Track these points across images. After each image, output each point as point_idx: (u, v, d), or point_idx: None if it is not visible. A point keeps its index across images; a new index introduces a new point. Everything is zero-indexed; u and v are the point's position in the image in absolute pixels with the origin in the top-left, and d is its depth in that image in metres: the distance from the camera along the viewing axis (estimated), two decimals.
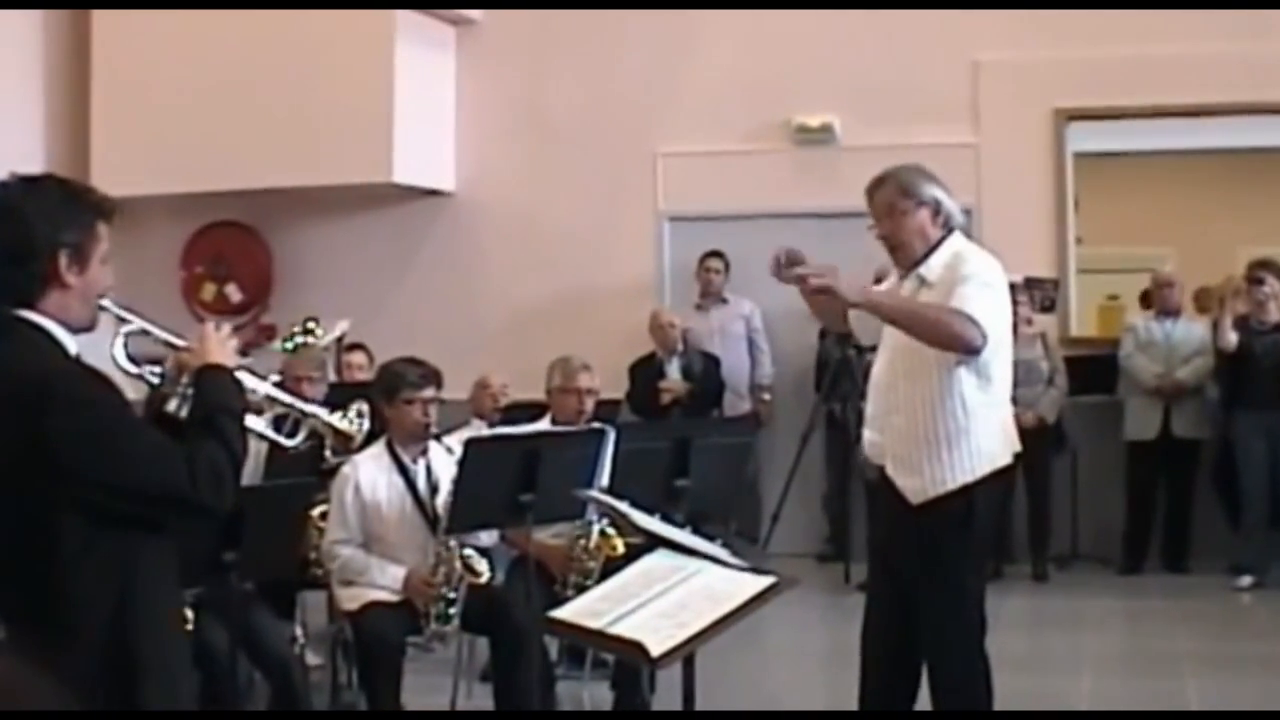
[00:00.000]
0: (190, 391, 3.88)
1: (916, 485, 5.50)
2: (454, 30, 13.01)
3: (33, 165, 10.32)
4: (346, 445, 4.45)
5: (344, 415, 4.37)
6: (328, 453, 4.59)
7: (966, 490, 5.46)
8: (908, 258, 5.58)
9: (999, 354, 5.49)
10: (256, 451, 6.86)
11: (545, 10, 12.78)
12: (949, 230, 5.60)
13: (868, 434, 5.74)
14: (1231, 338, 10.68)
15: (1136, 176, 14.33)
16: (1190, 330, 11.30)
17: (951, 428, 5.42)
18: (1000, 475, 5.59)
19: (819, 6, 12.18)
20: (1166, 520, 11.38)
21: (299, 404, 4.32)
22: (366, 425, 4.52)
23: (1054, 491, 11.42)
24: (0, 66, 12.29)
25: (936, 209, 5.57)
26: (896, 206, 5.57)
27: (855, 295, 5.33)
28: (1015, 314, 10.92)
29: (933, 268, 5.52)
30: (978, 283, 5.38)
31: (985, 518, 5.65)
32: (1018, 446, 5.68)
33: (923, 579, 5.55)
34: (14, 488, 3.56)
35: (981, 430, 5.47)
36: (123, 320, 3.92)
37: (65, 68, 12.86)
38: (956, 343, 5.30)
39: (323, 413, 4.34)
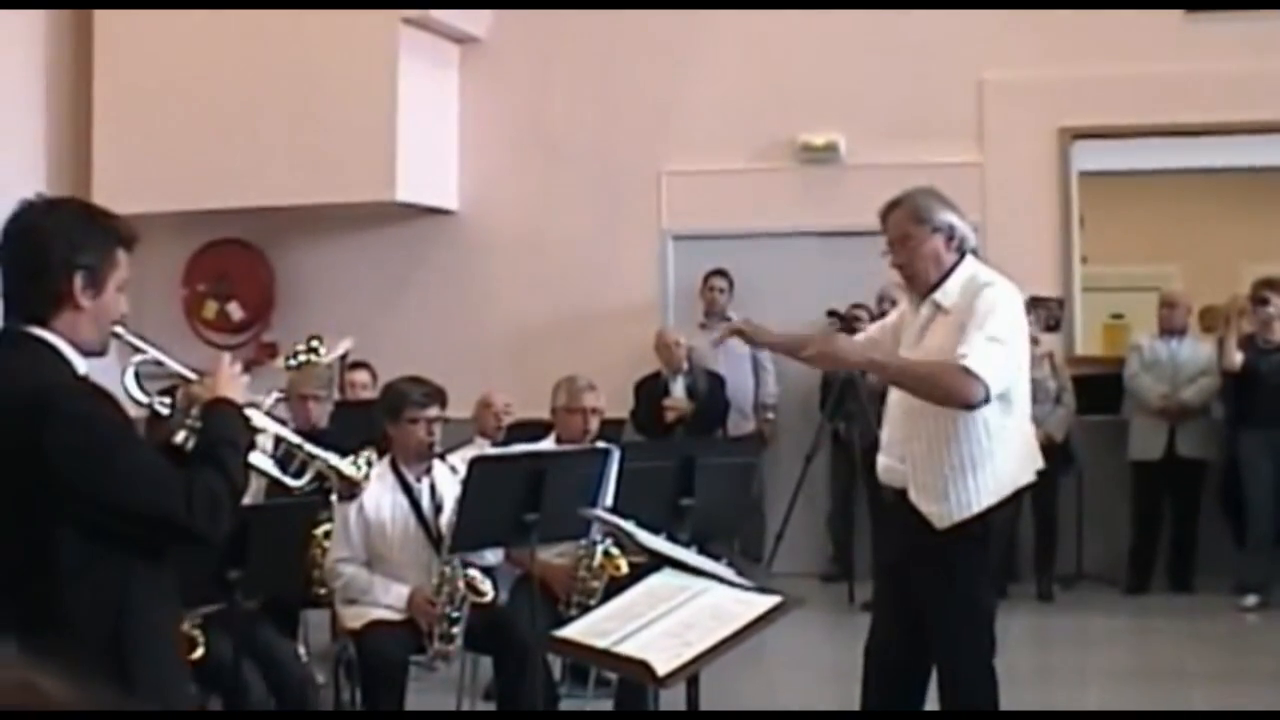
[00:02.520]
0: (198, 424, 3.88)
1: (942, 511, 5.50)
2: (458, 48, 13.01)
3: (34, 183, 10.36)
4: (352, 490, 4.46)
5: (353, 460, 4.36)
6: (333, 496, 4.61)
7: (986, 513, 5.47)
8: (923, 284, 5.60)
9: (1020, 377, 5.50)
10: (257, 479, 6.86)
11: (549, 29, 12.78)
12: (962, 254, 5.61)
13: (883, 459, 5.75)
14: (1237, 357, 10.66)
15: (1141, 195, 14.31)
16: (1195, 350, 11.28)
17: (976, 454, 5.43)
18: (1018, 494, 5.61)
19: (823, 25, 12.19)
20: (1172, 540, 11.36)
21: (308, 446, 4.32)
22: (375, 473, 4.53)
23: (1059, 511, 11.39)
24: (2, 83, 12.29)
25: (950, 234, 5.58)
26: (911, 235, 5.58)
27: (856, 357, 5.62)
28: None
29: (949, 293, 5.53)
30: (990, 327, 5.36)
31: (999, 536, 5.67)
32: (1040, 463, 5.70)
33: (939, 597, 5.55)
34: (15, 500, 3.57)
35: (1003, 453, 5.48)
36: (136, 349, 3.92)
37: (67, 85, 12.86)
38: (954, 400, 5.35)
39: (332, 457, 4.33)
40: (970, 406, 5.33)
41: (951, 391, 5.33)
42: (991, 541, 5.58)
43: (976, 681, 5.60)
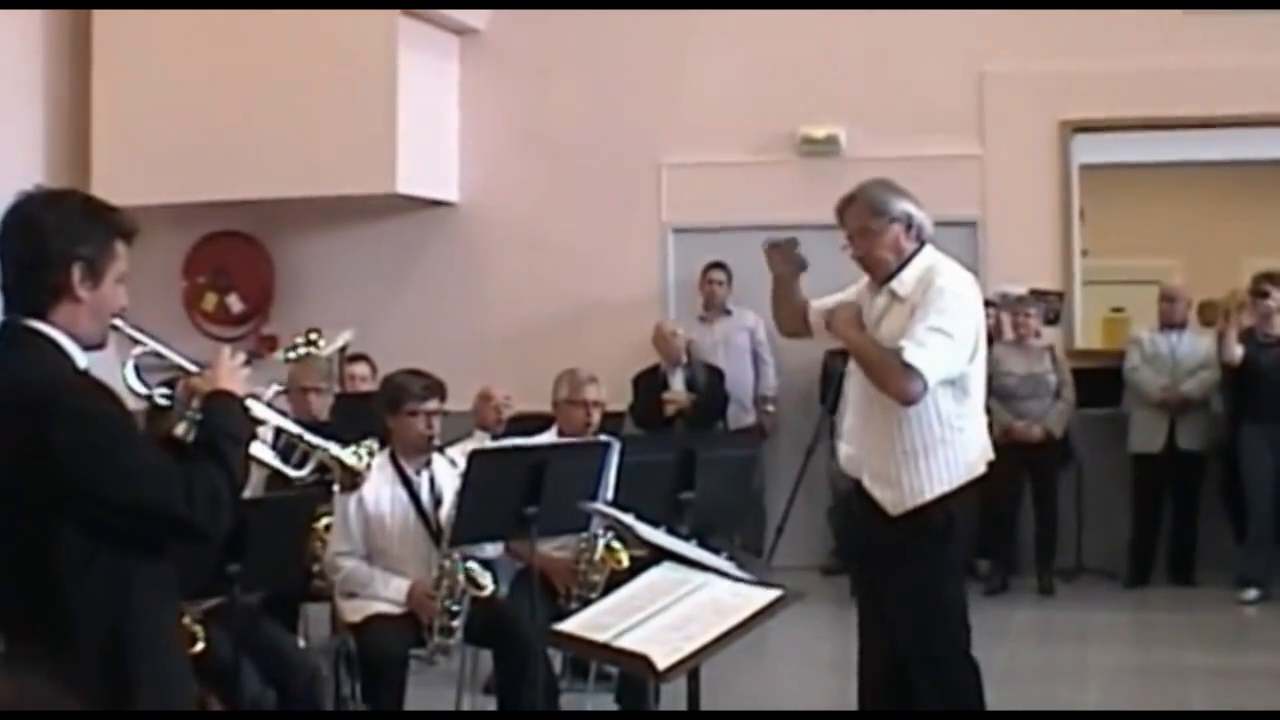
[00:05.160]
0: (199, 416, 3.87)
1: (895, 497, 5.58)
2: (458, 40, 13.00)
3: (33, 175, 10.33)
4: (354, 481, 4.45)
5: (355, 450, 4.35)
6: (335, 486, 4.59)
7: (943, 502, 5.49)
8: (881, 273, 5.67)
9: (974, 366, 5.57)
10: (258, 471, 6.84)
11: (549, 21, 12.77)
12: (921, 243, 5.66)
13: (843, 447, 5.84)
14: (1237, 351, 10.65)
15: (1142, 188, 14.33)
16: (1195, 343, 11.27)
17: (928, 439, 5.51)
18: (974, 484, 5.62)
19: (824, 18, 12.19)
20: (1172, 533, 11.36)
21: (309, 436, 4.30)
22: (376, 462, 4.52)
23: (1059, 504, 11.40)
24: (0, 75, 12.27)
25: (909, 223, 5.66)
26: (869, 227, 5.66)
27: (840, 330, 5.70)
28: (1022, 325, 10.99)
29: (905, 282, 5.61)
30: (934, 318, 5.44)
31: (963, 527, 5.70)
32: (991, 455, 5.70)
33: (902, 591, 5.58)
34: (16, 496, 3.56)
35: (958, 441, 5.53)
36: (135, 341, 3.91)
37: (66, 77, 12.83)
38: (892, 394, 5.50)
39: (334, 447, 4.32)
40: (908, 402, 5.44)
41: (890, 386, 5.48)
42: (956, 534, 5.61)
43: (953, 673, 5.62)
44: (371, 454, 4.43)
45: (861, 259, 5.70)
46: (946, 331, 5.40)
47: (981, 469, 5.60)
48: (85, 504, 3.54)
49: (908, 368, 5.35)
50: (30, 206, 3.72)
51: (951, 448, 5.50)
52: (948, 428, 5.49)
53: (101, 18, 12.74)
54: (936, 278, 5.52)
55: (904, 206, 5.64)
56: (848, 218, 5.73)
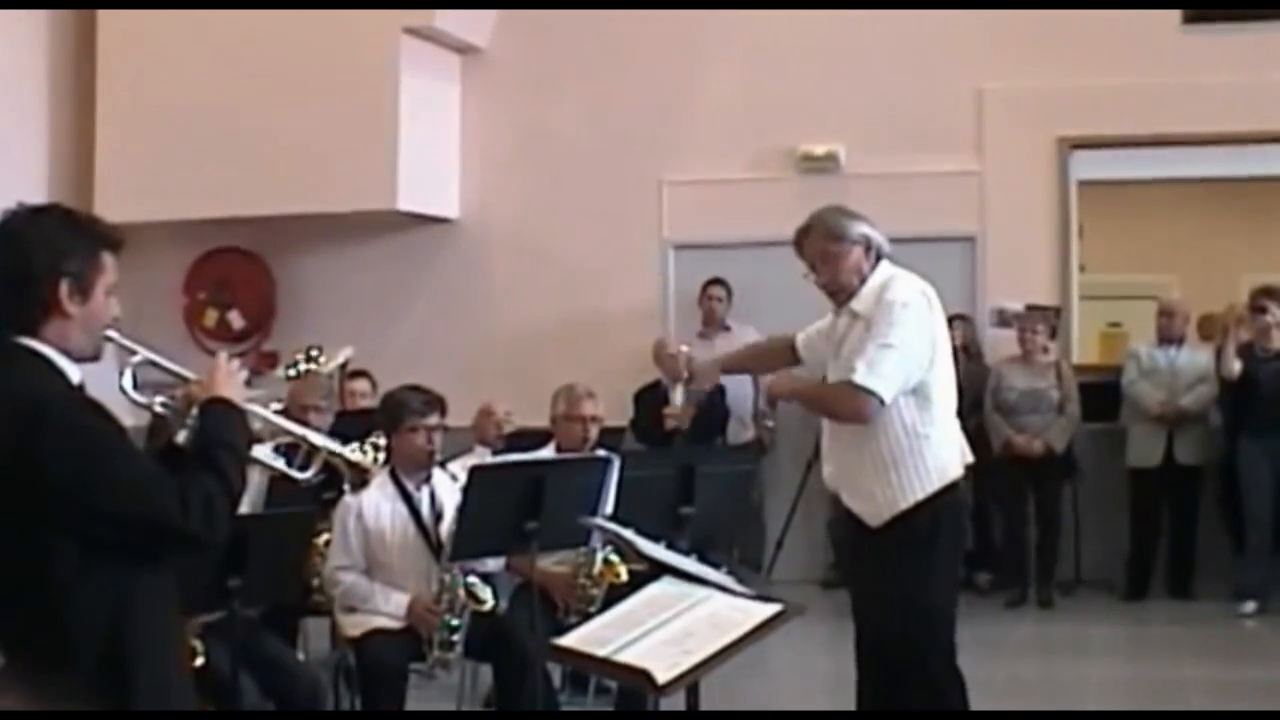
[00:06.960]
0: (197, 424, 3.88)
1: (871, 510, 5.69)
2: (459, 58, 13.03)
3: (36, 191, 10.38)
4: (362, 477, 4.43)
5: (359, 448, 4.35)
6: (345, 486, 4.58)
7: (928, 510, 5.55)
8: (845, 295, 5.79)
9: (933, 375, 5.65)
10: (259, 480, 6.86)
11: (550, 38, 12.81)
12: (879, 260, 5.78)
13: (825, 466, 5.89)
14: (1235, 365, 10.67)
15: (1140, 204, 14.37)
16: (1193, 357, 11.30)
17: (896, 452, 5.61)
18: (958, 490, 5.71)
19: (823, 35, 12.23)
20: (1170, 546, 11.38)
21: (312, 437, 4.30)
22: (382, 458, 4.50)
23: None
24: (4, 92, 12.30)
25: (867, 245, 5.78)
26: (831, 252, 5.79)
27: (780, 390, 6.13)
28: (1029, 340, 11.03)
29: (863, 299, 5.74)
30: (882, 335, 5.55)
31: (951, 535, 5.74)
32: (970, 458, 5.76)
33: (889, 595, 5.62)
34: (9, 510, 3.56)
35: (926, 449, 5.63)
36: (131, 352, 3.92)
37: (69, 94, 12.88)
38: (848, 419, 5.68)
39: (336, 445, 4.31)
40: (862, 421, 5.59)
41: (843, 412, 5.68)
42: (943, 541, 5.65)
43: (938, 674, 5.66)
44: (377, 449, 4.42)
45: (825, 285, 5.84)
46: (893, 345, 5.53)
47: (955, 473, 5.67)
48: (79, 516, 3.54)
49: (856, 388, 5.49)
50: (13, 224, 3.71)
51: (920, 457, 5.59)
52: (914, 437, 5.59)
53: (106, 36, 12.78)
54: (886, 292, 5.66)
55: (861, 229, 5.80)
56: (806, 247, 5.90)
